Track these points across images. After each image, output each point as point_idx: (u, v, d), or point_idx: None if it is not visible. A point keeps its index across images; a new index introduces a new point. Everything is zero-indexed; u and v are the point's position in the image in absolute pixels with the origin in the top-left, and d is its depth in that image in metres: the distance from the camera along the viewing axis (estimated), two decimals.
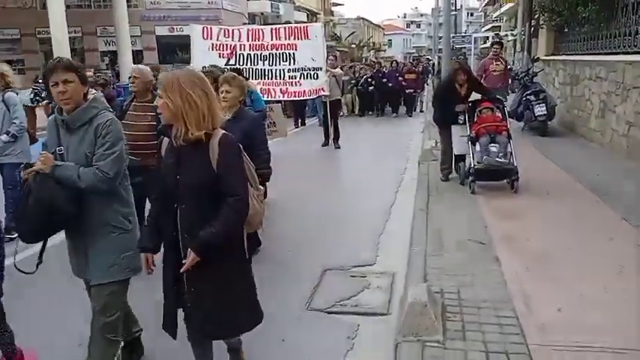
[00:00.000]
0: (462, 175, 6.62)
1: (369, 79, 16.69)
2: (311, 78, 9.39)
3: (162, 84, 2.29)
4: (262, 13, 41.07)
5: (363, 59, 41.37)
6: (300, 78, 9.37)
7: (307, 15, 50.44)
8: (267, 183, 4.33)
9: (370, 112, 17.15)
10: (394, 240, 4.99)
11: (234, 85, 4.10)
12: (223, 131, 2.35)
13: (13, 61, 32.07)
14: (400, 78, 16.59)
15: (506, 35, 40.43)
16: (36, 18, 29.14)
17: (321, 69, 9.40)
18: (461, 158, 6.65)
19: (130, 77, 4.39)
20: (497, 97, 7.13)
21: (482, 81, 9.04)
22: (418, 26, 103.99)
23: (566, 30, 11.87)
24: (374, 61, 21.44)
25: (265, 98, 9.79)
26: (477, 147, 6.17)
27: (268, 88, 9.17)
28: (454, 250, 4.41)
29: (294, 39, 9.33)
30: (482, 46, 49.00)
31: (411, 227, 5.14)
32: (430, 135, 11.44)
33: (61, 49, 26.97)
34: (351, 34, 62.33)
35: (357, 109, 17.24)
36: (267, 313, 2.63)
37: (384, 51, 77.20)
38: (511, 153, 6.07)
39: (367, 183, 7.69)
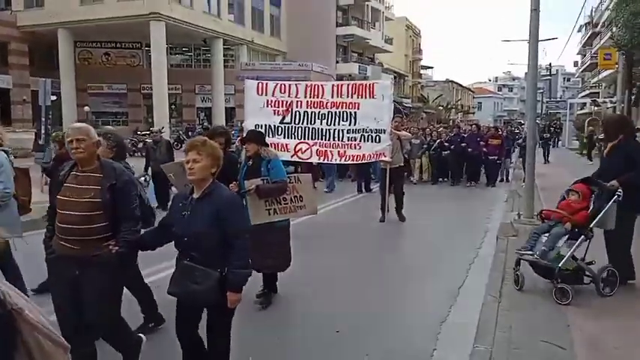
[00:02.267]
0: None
1: (446, 143, 15.36)
2: (372, 141, 8.47)
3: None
4: (350, 75, 41.99)
5: (450, 121, 40.79)
6: (360, 140, 8.48)
7: (395, 77, 51.02)
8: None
9: (441, 180, 15.53)
10: (457, 331, 4.40)
11: (205, 153, 3.08)
12: None
13: (119, 114, 35.13)
14: (482, 143, 15.05)
15: (605, 102, 38.37)
16: (142, 75, 31.68)
17: (384, 131, 8.47)
18: None
19: (69, 140, 3.19)
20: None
21: None
22: (510, 90, 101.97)
23: None
24: (447, 125, 19.99)
25: (320, 161, 9.32)
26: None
27: (325, 150, 8.55)
28: (525, 354, 3.77)
29: (358, 97, 8.49)
30: (578, 112, 46.73)
31: (479, 318, 4.53)
32: (513, 206, 10.65)
33: (161, 104, 29.17)
34: (439, 96, 62.22)
35: (427, 176, 15.67)
36: None
37: (473, 114, 76.06)
38: (557, 250, 5.02)
39: (434, 258, 7.06)
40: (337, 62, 39.72)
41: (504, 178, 16.00)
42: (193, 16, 30.11)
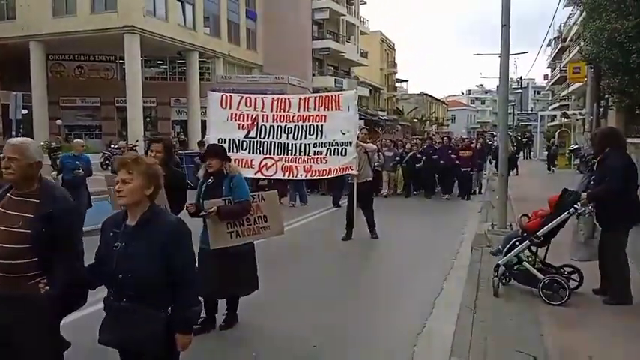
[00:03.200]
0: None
1: (418, 155, 15.08)
2: (338, 154, 8.12)
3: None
4: (326, 88, 42.18)
5: (425, 133, 41.34)
6: (326, 154, 8.13)
7: (370, 90, 51.60)
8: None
9: (415, 192, 15.33)
10: (433, 343, 4.41)
11: (137, 172, 2.57)
12: None
13: (92, 127, 34.63)
14: (453, 155, 14.78)
15: (574, 114, 39.32)
16: (116, 88, 31.33)
17: (350, 144, 8.11)
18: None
19: (2, 157, 2.81)
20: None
21: None
22: (483, 102, 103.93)
23: (637, 112, 11.19)
24: (423, 137, 19.59)
25: (286, 177, 8.73)
26: None
27: (290, 166, 8.17)
28: None
29: (325, 109, 8.18)
30: (549, 124, 47.82)
31: (454, 329, 4.55)
32: (487, 217, 10.80)
33: (136, 117, 28.86)
34: (414, 109, 63.02)
35: (400, 189, 15.43)
36: None
37: (447, 126, 77.20)
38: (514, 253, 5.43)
39: (410, 270, 7.08)
40: (313, 75, 39.99)
41: (477, 191, 15.77)
42: (168, 29, 30.01)
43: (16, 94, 13.45)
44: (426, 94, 71.31)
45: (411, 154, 15.17)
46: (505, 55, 8.92)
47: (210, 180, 4.53)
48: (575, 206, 5.11)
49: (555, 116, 49.65)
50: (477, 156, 15.50)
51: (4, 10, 30.48)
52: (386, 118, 56.34)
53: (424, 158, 14.86)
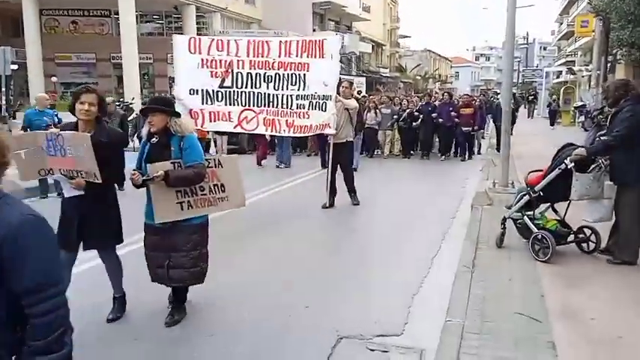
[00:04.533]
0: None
1: (416, 113, 14.03)
2: (319, 109, 7.22)
3: None
4: None
5: (428, 91, 40.62)
6: (308, 108, 7.24)
7: (372, 46, 50.46)
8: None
9: (412, 152, 14.48)
10: (429, 304, 4.23)
11: None
12: None
13: (87, 84, 33.90)
14: (453, 113, 13.66)
15: (581, 70, 38.49)
16: (111, 44, 30.55)
17: (330, 97, 7.22)
18: None
19: None
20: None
21: None
22: (487, 59, 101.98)
23: None
24: (424, 94, 17.79)
25: (268, 132, 7.95)
26: None
27: (273, 119, 7.35)
28: (498, 327, 3.62)
29: (308, 56, 7.22)
30: (554, 80, 46.92)
31: (451, 290, 4.37)
32: (489, 174, 10.55)
33: (132, 74, 28.25)
34: (417, 66, 61.81)
35: (396, 149, 14.62)
36: None
37: (451, 83, 75.97)
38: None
39: (407, 228, 6.87)
40: (314, 30, 38.83)
41: (475, 151, 14.76)
42: None
43: (4, 48, 12.87)
44: (430, 51, 69.85)
45: (407, 111, 14.17)
46: (512, 6, 8.45)
47: (154, 139, 3.75)
48: (565, 161, 4.87)
49: (561, 72, 48.63)
50: (479, 114, 14.54)
51: None
52: (388, 75, 55.30)
53: (422, 116, 13.92)
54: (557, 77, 48.65)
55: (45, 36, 30.73)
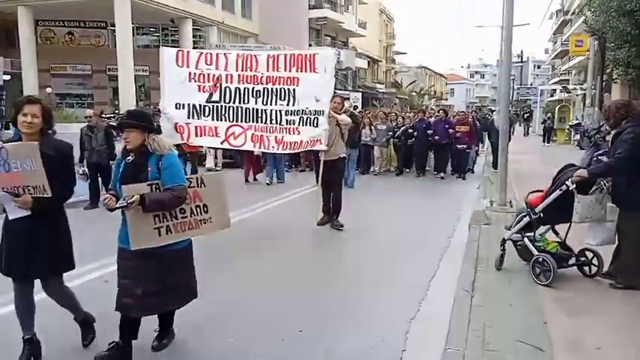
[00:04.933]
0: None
1: (410, 130, 13.78)
2: (311, 124, 6.98)
3: None
4: None
5: (423, 107, 40.76)
6: (299, 123, 7.01)
7: (368, 62, 50.70)
8: None
9: (407, 170, 14.20)
10: (427, 330, 4.06)
11: None
12: None
13: (83, 96, 33.87)
14: (450, 130, 13.38)
15: (575, 89, 38.78)
16: (107, 55, 30.51)
17: (323, 113, 6.95)
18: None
19: None
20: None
21: None
22: (482, 76, 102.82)
23: None
24: (419, 111, 17.37)
25: (256, 149, 7.72)
26: None
27: (261, 136, 7.09)
28: (501, 357, 3.45)
29: (297, 70, 7.02)
30: (548, 99, 47.26)
31: (450, 315, 4.21)
32: (486, 193, 10.43)
33: (128, 86, 28.16)
34: (413, 82, 62.14)
35: (391, 166, 14.41)
36: None
37: (446, 100, 76.45)
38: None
39: (403, 249, 6.64)
40: (310, 45, 38.98)
41: (470, 169, 14.38)
42: None
43: None
44: (425, 67, 70.32)
45: (403, 128, 13.92)
46: (508, 24, 8.43)
47: (129, 158, 3.39)
48: (566, 182, 4.75)
49: (555, 91, 49.08)
50: (474, 131, 14.42)
51: None
52: (384, 91, 55.55)
53: (415, 133, 13.59)
54: (552, 95, 49.08)
55: (40, 47, 30.71)
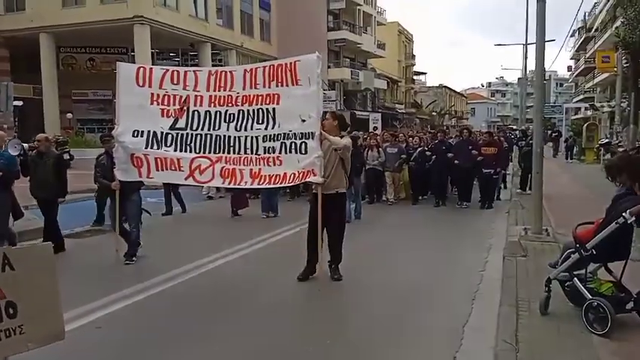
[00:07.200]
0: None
1: (428, 152, 12.12)
2: (296, 151, 5.75)
3: None
4: (342, 80, 41.26)
5: (444, 127, 40.06)
6: (281, 151, 5.81)
7: (388, 83, 50.41)
8: None
9: (423, 198, 12.62)
10: None
11: None
12: None
13: (104, 121, 34.06)
14: (474, 152, 11.67)
15: (602, 106, 37.66)
16: None
17: (312, 135, 5.65)
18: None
19: None
20: None
21: None
22: (503, 95, 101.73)
23: None
24: (440, 130, 15.66)
25: (226, 185, 6.52)
26: None
27: (233, 169, 5.95)
28: None
29: (277, 85, 5.87)
30: (573, 117, 46.12)
31: None
32: (517, 219, 9.69)
33: None
34: (433, 102, 61.61)
35: (404, 194, 12.59)
36: None
37: (467, 119, 75.62)
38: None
39: (428, 284, 5.95)
40: (329, 67, 38.82)
41: (497, 197, 12.60)
42: (179, 20, 29.20)
43: (7, 84, 12.52)
44: (445, 87, 69.76)
45: (419, 149, 12.20)
46: (541, 31, 7.87)
47: None
48: (624, 215, 4.08)
49: (580, 109, 47.94)
50: (503, 153, 12.75)
51: (14, 2, 29.96)
52: (404, 111, 55.08)
53: (434, 157, 11.96)
54: (575, 113, 47.90)
55: (62, 72, 31.02)
